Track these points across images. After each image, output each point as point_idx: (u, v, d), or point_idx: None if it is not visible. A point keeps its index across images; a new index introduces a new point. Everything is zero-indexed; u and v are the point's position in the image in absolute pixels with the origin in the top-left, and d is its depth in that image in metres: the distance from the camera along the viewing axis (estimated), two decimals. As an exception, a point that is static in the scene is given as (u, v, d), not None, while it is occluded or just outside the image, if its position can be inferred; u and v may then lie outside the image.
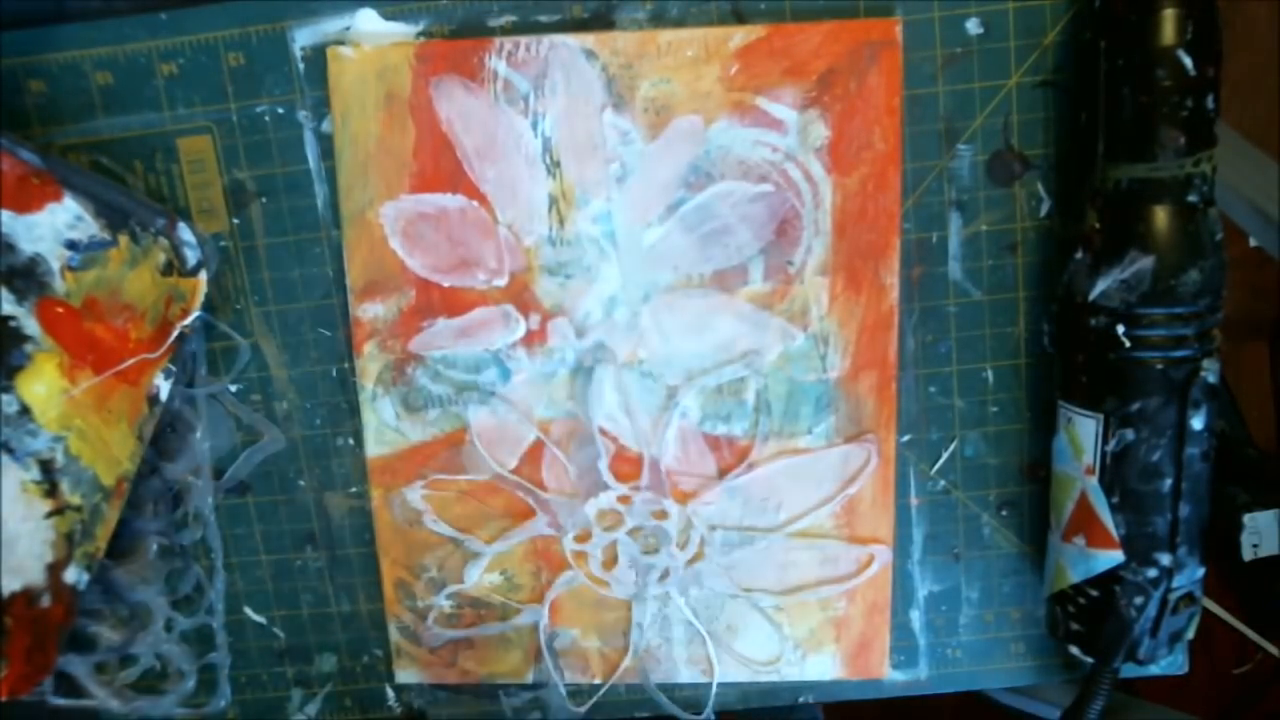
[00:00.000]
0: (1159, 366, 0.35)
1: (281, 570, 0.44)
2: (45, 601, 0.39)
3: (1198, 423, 0.36)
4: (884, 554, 0.41)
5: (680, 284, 0.40)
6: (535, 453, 0.42)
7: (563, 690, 0.44)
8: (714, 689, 0.43)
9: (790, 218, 0.39)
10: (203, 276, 0.38)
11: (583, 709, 0.44)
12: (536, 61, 0.39)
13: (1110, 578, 0.37)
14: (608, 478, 0.41)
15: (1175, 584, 0.37)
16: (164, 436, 0.42)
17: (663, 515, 0.42)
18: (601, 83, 0.39)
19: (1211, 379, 0.36)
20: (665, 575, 0.42)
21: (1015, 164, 0.40)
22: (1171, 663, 0.42)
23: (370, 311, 0.41)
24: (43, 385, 0.38)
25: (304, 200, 0.41)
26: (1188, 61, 0.34)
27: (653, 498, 0.41)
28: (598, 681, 0.44)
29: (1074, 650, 0.39)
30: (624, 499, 0.41)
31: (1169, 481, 0.36)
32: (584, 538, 0.42)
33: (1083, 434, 0.37)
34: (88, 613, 0.43)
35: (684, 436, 0.41)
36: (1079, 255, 0.37)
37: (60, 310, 0.38)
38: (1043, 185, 0.40)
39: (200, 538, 0.44)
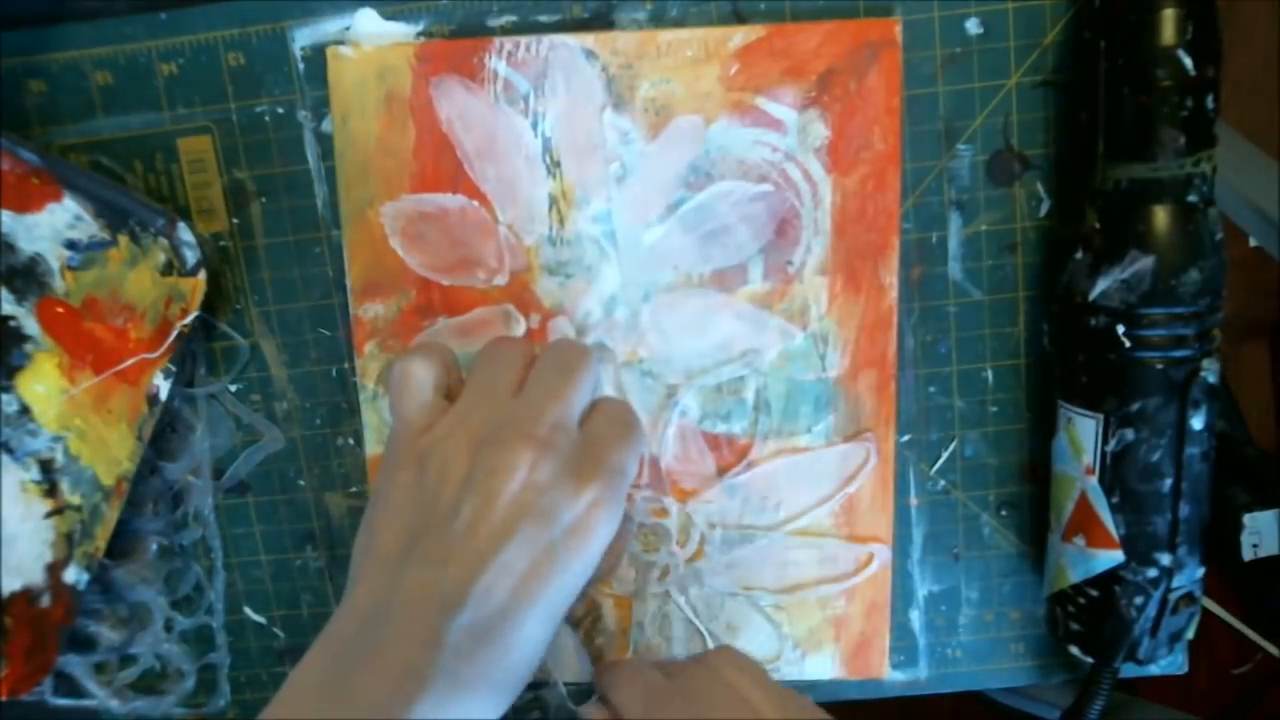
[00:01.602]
0: (1159, 366, 0.35)
1: (281, 570, 0.44)
2: (45, 601, 0.39)
3: (1198, 423, 0.36)
4: (883, 553, 0.41)
5: (680, 284, 0.40)
6: (535, 453, 0.42)
7: (563, 690, 0.43)
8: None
9: (790, 217, 0.39)
10: (202, 276, 0.38)
11: (585, 709, 0.44)
12: (536, 61, 0.39)
13: (1110, 578, 0.37)
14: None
15: (1175, 584, 0.37)
16: (164, 436, 0.42)
17: (662, 513, 0.42)
18: (601, 83, 0.39)
19: (1211, 379, 0.36)
20: (665, 573, 0.42)
21: (1015, 164, 0.40)
22: (1171, 663, 0.42)
23: (371, 311, 0.41)
24: (43, 385, 0.38)
25: (304, 200, 0.41)
26: (1188, 61, 0.34)
27: (652, 495, 0.41)
28: (598, 681, 0.44)
29: (1074, 650, 0.39)
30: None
31: (1169, 481, 0.36)
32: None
33: (1083, 434, 0.37)
34: (88, 613, 0.43)
35: (684, 435, 0.41)
36: (1079, 255, 0.37)
37: (60, 310, 0.38)
38: (1042, 185, 0.40)
39: (200, 538, 0.44)
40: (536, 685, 0.44)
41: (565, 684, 0.44)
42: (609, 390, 0.41)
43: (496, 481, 0.30)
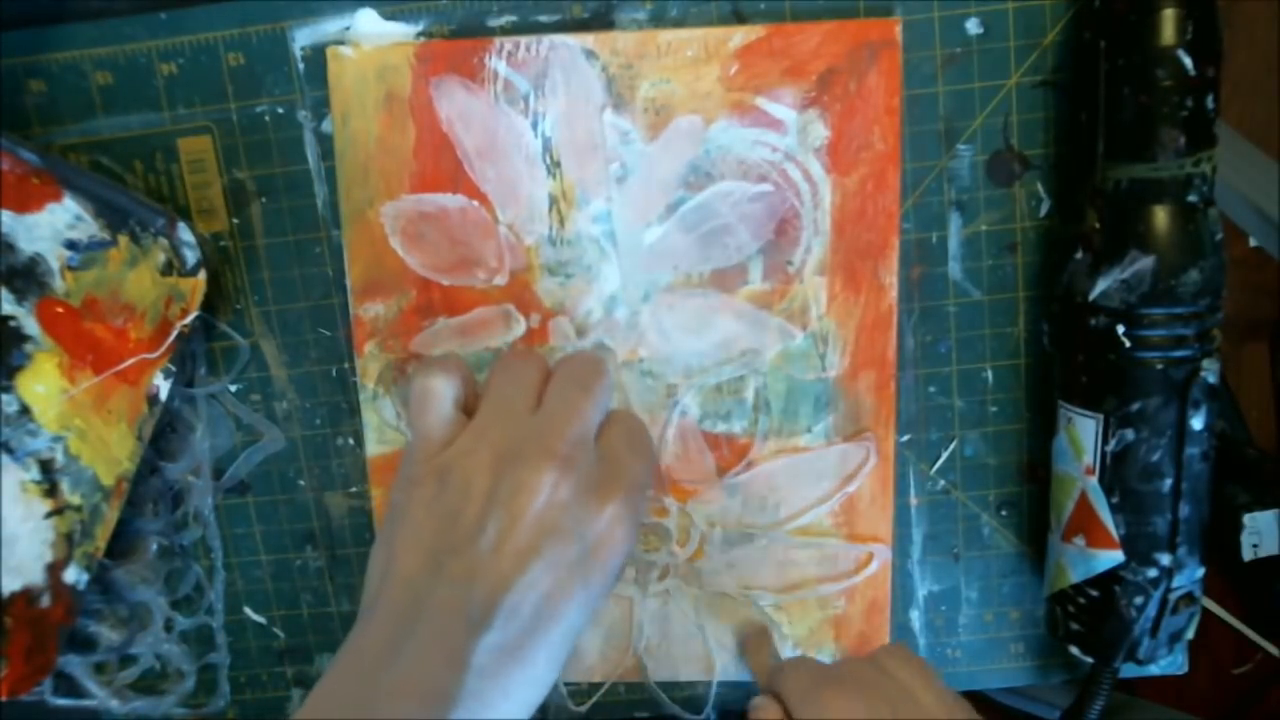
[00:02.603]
0: (1159, 366, 0.35)
1: (281, 570, 0.44)
2: (45, 601, 0.39)
3: (1198, 423, 0.36)
4: (883, 552, 0.41)
5: (680, 283, 0.40)
6: (535, 452, 0.42)
7: (563, 690, 0.44)
8: (714, 688, 0.43)
9: (789, 217, 0.39)
10: (202, 276, 0.38)
11: (583, 709, 0.44)
12: (536, 61, 0.39)
13: (1110, 578, 0.37)
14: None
15: (1175, 584, 0.37)
16: (164, 436, 0.42)
17: (663, 513, 0.42)
18: (601, 83, 0.39)
19: (1211, 379, 0.36)
20: (665, 573, 0.42)
21: (1015, 164, 0.40)
22: (1171, 663, 0.42)
23: (371, 311, 0.41)
24: (43, 385, 0.38)
25: (304, 200, 0.41)
26: (1188, 61, 0.34)
27: (652, 495, 0.41)
28: (598, 680, 0.44)
29: (1074, 650, 0.39)
30: (624, 499, 0.41)
31: (1169, 481, 0.36)
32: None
33: (1083, 434, 0.37)
34: (88, 613, 0.43)
35: (684, 435, 0.41)
36: (1079, 255, 0.37)
37: (60, 310, 0.38)
38: (1042, 185, 0.40)
39: (200, 538, 0.44)
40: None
41: (565, 684, 0.44)
42: (609, 390, 0.41)
43: (521, 500, 0.29)
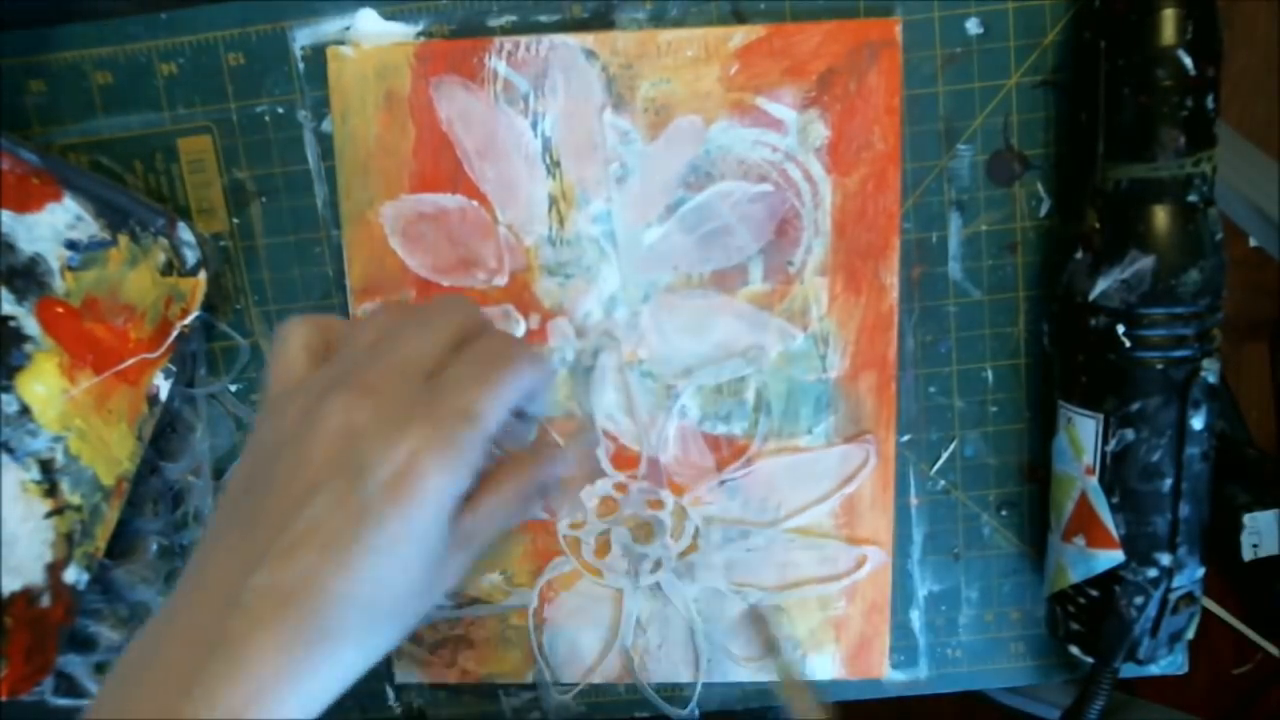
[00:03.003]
0: (1159, 366, 0.35)
1: (281, 570, 0.44)
2: (45, 601, 0.39)
3: (1198, 423, 0.36)
4: (878, 555, 0.41)
5: (680, 284, 0.40)
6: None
7: (548, 678, 0.43)
8: (698, 687, 0.43)
9: (790, 218, 0.39)
10: (202, 276, 0.38)
11: (572, 701, 0.44)
12: (536, 61, 0.39)
13: (1110, 578, 0.37)
14: (606, 465, 0.41)
15: (1175, 584, 0.37)
16: (164, 436, 0.42)
17: (658, 505, 0.42)
18: (601, 83, 0.39)
19: (1211, 379, 0.36)
20: (658, 566, 0.42)
21: (1015, 164, 0.40)
22: (1171, 663, 0.42)
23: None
24: (43, 385, 0.38)
25: (304, 200, 0.41)
26: (1188, 61, 0.34)
27: (649, 487, 0.41)
28: (597, 681, 0.43)
29: (1074, 650, 0.39)
30: (620, 487, 0.41)
31: (1169, 481, 0.36)
32: (578, 526, 0.42)
33: (1083, 434, 0.37)
34: (88, 613, 0.43)
35: (684, 435, 0.41)
36: (1079, 255, 0.37)
37: (60, 310, 0.38)
38: (1042, 185, 0.40)
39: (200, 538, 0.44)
40: (536, 685, 0.44)
41: (558, 684, 0.43)
42: (609, 389, 0.41)
43: (310, 434, 0.27)
